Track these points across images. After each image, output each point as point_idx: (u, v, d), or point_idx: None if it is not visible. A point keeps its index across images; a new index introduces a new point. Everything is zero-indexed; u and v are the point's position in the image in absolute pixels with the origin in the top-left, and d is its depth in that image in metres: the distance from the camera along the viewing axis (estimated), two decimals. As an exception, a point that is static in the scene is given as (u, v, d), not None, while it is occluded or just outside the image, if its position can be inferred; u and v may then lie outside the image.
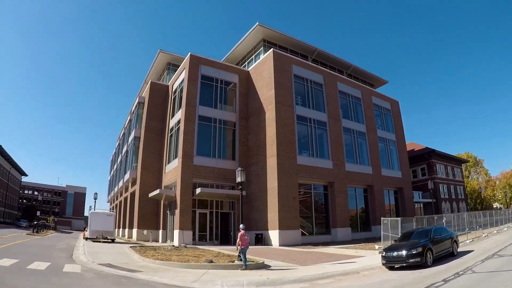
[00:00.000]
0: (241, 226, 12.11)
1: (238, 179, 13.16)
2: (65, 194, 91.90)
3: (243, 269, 10.82)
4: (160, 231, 26.72)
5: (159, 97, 31.23)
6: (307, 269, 11.04)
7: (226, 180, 24.55)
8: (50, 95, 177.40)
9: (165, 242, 25.06)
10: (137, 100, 33.74)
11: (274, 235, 21.40)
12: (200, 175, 23.57)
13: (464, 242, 16.91)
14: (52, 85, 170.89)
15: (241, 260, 11.24)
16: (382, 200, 29.46)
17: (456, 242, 12.82)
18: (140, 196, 27.63)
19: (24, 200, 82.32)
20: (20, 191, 77.42)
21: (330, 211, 25.24)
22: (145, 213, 27.57)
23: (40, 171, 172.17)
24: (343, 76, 31.60)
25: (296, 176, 23.16)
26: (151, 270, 10.81)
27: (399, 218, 15.62)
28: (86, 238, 23.89)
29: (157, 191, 24.65)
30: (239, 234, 11.58)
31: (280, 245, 20.59)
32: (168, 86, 31.59)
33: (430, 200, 37.46)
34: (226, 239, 24.02)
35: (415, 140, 55.67)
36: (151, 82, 32.16)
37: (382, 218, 16.50)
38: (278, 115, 23.74)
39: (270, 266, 11.80)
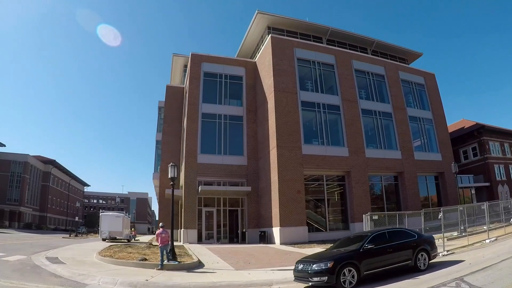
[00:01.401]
0: (160, 224, 11.90)
1: (170, 175, 12.30)
2: (128, 201, 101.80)
3: (158, 269, 10.23)
4: (179, 231, 27.42)
5: (176, 100, 32.08)
6: (232, 274, 9.93)
7: (233, 176, 23.98)
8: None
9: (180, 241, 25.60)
10: (158, 105, 35.32)
11: (276, 232, 20.12)
12: (204, 173, 23.41)
13: (483, 242, 13.56)
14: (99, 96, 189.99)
15: (170, 260, 10.87)
16: (415, 188, 25.51)
17: (426, 250, 8.89)
18: (159, 198, 28.78)
19: (90, 209, 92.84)
20: (85, 200, 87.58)
21: (348, 203, 22.80)
22: (166, 214, 28.56)
23: (105, 181, 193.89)
24: (360, 53, 28.27)
25: (300, 168, 21.42)
26: (83, 264, 11.23)
27: (385, 213, 13.07)
28: (103, 239, 25.34)
29: (168, 192, 25.29)
30: (157, 232, 11.25)
31: (282, 243, 19.23)
32: (183, 88, 32.29)
33: (482, 184, 31.34)
34: (235, 237, 23.48)
35: (471, 117, 47.53)
36: (166, 86, 33.27)
37: (363, 214, 14.06)
38: (278, 103, 22.26)
39: (199, 268, 11.03)
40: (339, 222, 22.97)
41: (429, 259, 9.00)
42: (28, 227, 44.95)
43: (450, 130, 37.41)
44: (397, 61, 31.78)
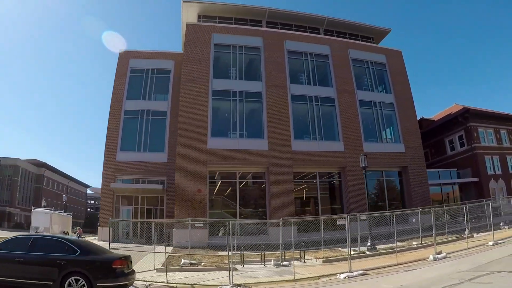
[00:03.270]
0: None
1: None
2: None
3: None
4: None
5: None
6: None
7: (153, 174, 22.97)
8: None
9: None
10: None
11: (173, 233, 18.53)
12: (123, 170, 22.80)
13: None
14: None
15: None
16: (360, 186, 21.45)
17: (86, 277, 6.52)
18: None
19: (91, 209, 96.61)
20: (89, 201, 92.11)
21: (267, 204, 20.15)
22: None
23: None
24: (295, 32, 25.03)
25: (204, 164, 19.51)
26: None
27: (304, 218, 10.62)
28: None
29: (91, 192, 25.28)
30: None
31: (175, 246, 17.56)
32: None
33: (469, 180, 25.49)
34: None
35: (468, 102, 39.37)
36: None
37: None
38: (184, 95, 20.70)
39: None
40: (258, 225, 20.47)
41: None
42: (18, 226, 47.05)
43: (438, 118, 31.75)
44: (359, 40, 27.74)
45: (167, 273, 9.73)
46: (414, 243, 14.99)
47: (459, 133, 28.64)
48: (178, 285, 9.05)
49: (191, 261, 11.92)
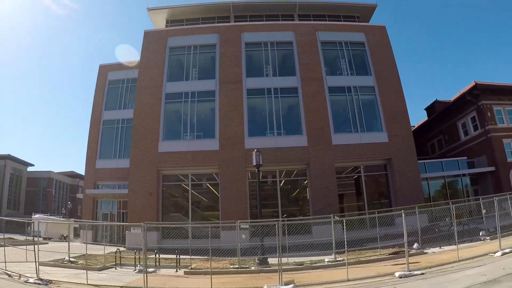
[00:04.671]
0: None
1: None
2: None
3: None
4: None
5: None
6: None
7: (126, 179, 23.91)
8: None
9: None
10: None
11: (127, 236, 18.97)
12: (102, 177, 24.27)
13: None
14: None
15: None
16: (330, 184, 19.08)
17: None
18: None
19: None
20: None
21: (220, 207, 19.21)
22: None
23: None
24: (255, 23, 23.38)
25: (155, 168, 19.56)
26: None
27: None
28: None
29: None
30: None
31: (127, 248, 17.96)
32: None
33: (482, 170, 20.35)
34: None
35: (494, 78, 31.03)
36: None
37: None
38: (139, 102, 21.09)
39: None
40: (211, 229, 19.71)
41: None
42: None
43: (452, 98, 26.71)
44: (341, 21, 24.94)
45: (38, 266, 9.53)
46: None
47: (471, 114, 23.49)
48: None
49: (71, 259, 12.08)
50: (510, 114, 23.69)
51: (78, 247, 16.91)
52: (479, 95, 22.11)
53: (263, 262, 11.27)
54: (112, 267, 11.39)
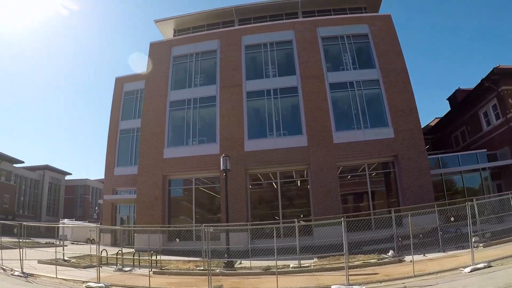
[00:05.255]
0: None
1: None
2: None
3: None
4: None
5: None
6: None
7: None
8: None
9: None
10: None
11: (136, 238, 20.01)
12: (119, 183, 25.88)
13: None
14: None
15: None
16: (331, 185, 18.39)
17: None
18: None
19: None
20: None
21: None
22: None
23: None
24: (254, 25, 23.45)
25: (160, 173, 20.41)
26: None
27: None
28: None
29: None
30: None
31: (136, 249, 19.02)
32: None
33: (504, 163, 18.19)
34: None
35: None
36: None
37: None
38: (146, 111, 22.20)
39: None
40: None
41: None
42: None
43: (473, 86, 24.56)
44: (347, 14, 24.20)
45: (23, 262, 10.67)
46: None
47: (492, 102, 21.28)
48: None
49: (66, 258, 13.15)
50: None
51: (87, 248, 18.23)
52: (498, 81, 19.99)
53: (228, 265, 11.49)
54: (96, 266, 12.19)
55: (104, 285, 9.07)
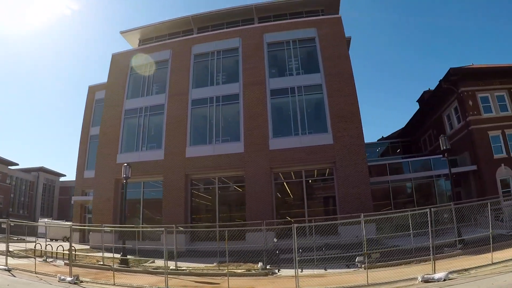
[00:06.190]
0: None
1: None
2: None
3: None
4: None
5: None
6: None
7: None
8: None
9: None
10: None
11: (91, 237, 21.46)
12: (89, 185, 27.10)
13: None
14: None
15: None
16: (267, 190, 18.62)
17: None
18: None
19: None
20: None
21: (163, 211, 20.28)
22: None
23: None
24: (200, 35, 24.07)
25: (113, 175, 21.42)
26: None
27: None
28: None
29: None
30: None
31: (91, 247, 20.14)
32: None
33: (464, 169, 17.44)
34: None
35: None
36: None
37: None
38: (104, 119, 23.44)
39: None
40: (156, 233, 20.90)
41: None
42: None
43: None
44: (303, 17, 24.24)
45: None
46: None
47: (453, 104, 20.53)
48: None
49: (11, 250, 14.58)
50: (501, 101, 20.14)
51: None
52: (457, 82, 19.19)
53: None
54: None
55: (6, 268, 10.99)
